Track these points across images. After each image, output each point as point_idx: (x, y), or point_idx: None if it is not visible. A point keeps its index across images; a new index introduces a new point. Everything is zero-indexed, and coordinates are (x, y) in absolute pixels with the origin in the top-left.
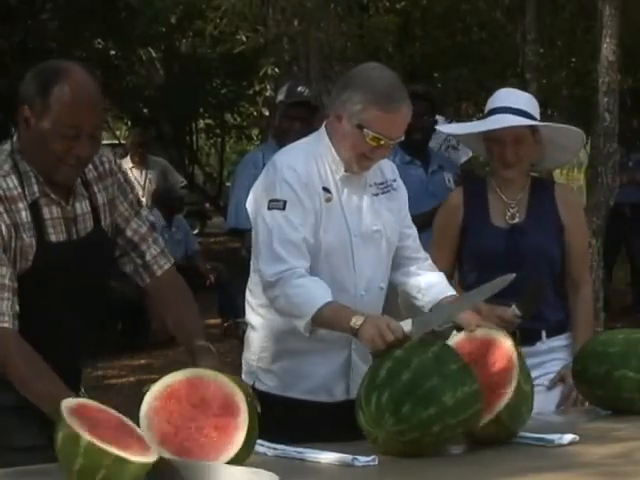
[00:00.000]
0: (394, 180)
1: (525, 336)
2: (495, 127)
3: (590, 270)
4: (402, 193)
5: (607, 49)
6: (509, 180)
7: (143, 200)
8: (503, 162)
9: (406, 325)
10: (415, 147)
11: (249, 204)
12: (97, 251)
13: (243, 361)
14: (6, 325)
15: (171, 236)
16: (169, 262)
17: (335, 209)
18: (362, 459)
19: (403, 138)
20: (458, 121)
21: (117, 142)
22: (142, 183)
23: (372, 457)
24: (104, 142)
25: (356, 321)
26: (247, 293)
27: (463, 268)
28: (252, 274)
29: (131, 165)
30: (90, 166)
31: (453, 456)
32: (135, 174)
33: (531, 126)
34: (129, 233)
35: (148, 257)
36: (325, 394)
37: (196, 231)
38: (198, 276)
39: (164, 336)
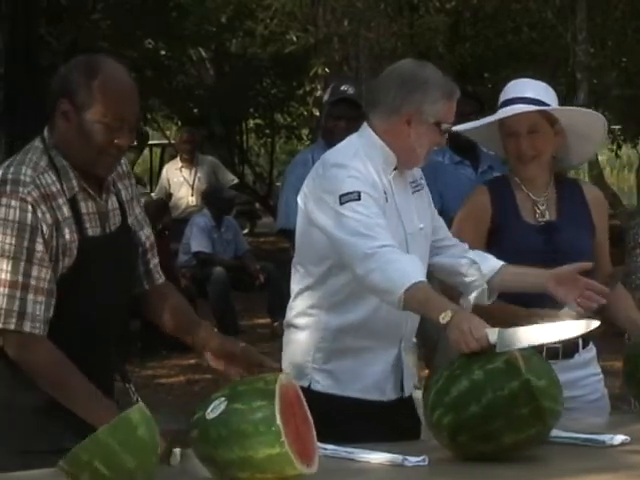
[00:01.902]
0: (421, 178)
1: (566, 349)
2: (502, 116)
3: None
4: (427, 191)
5: None
6: (531, 177)
7: (192, 199)
8: (519, 156)
9: (492, 334)
10: (465, 147)
11: (305, 207)
12: (126, 246)
13: (289, 365)
14: (37, 332)
15: (220, 236)
16: (163, 276)
17: (392, 209)
18: (412, 459)
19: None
20: None
21: (167, 142)
22: (191, 182)
23: (422, 457)
24: (154, 142)
25: (445, 316)
26: (293, 297)
27: None
28: (298, 277)
29: (180, 165)
30: None
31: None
32: (184, 173)
33: (547, 115)
34: (142, 237)
35: (152, 265)
36: (378, 393)
37: (246, 231)
38: (248, 276)
39: None
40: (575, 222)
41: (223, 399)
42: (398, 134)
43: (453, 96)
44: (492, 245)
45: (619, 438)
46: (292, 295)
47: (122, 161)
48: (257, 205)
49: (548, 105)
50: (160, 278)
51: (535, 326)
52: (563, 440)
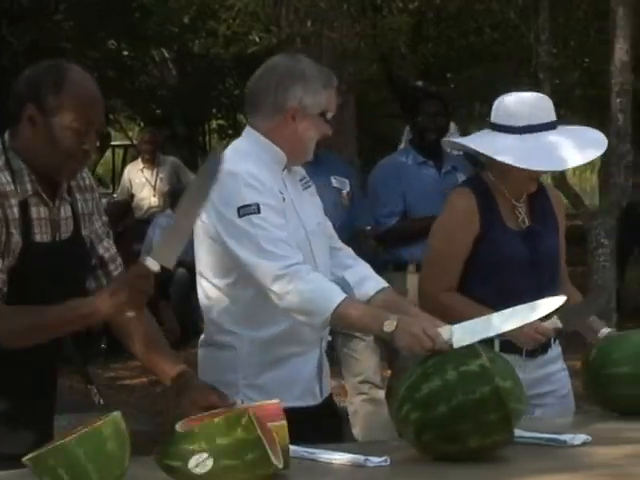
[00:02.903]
0: (306, 175)
1: (543, 345)
2: (554, 169)
3: (603, 270)
4: (314, 186)
5: (620, 50)
6: (513, 182)
7: (154, 200)
8: (531, 179)
9: (445, 332)
10: (428, 147)
11: (204, 218)
12: (75, 256)
13: (221, 384)
14: None
15: None
16: None
17: (289, 208)
18: (374, 460)
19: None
20: (468, 125)
21: (130, 143)
22: (153, 183)
23: (384, 458)
24: (117, 143)
25: (389, 325)
26: (205, 312)
27: (473, 278)
28: (204, 290)
29: (142, 165)
30: None
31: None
32: (146, 174)
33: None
34: (101, 250)
35: (114, 278)
36: (311, 397)
37: None
38: None
39: (176, 337)
40: (548, 227)
41: (206, 455)
42: (284, 131)
43: (331, 84)
44: (477, 253)
45: (580, 438)
46: (203, 310)
47: (85, 175)
48: None
49: (557, 121)
50: None
51: (488, 317)
52: (526, 440)
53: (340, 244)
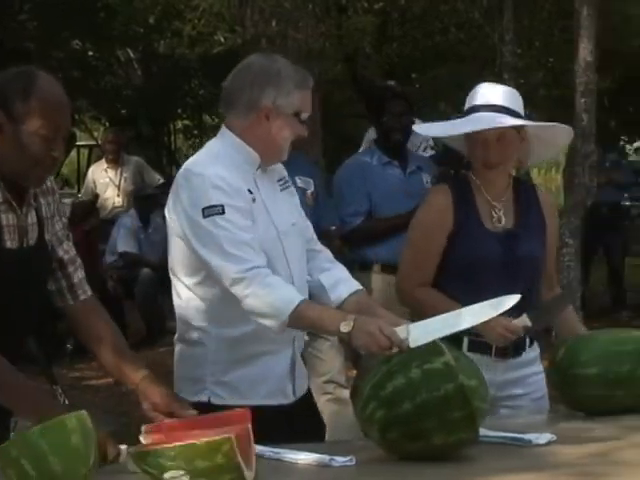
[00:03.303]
0: (286, 176)
1: (515, 347)
2: (477, 128)
3: (567, 270)
4: (293, 188)
5: (584, 50)
6: (493, 180)
7: (119, 200)
8: (487, 163)
9: (401, 331)
10: (394, 147)
11: (171, 219)
12: (41, 261)
13: (184, 381)
14: None
15: (147, 237)
16: (90, 291)
17: (260, 208)
18: (339, 459)
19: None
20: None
21: (95, 143)
22: (117, 183)
23: (349, 457)
24: (82, 143)
25: (346, 325)
26: (177, 310)
27: (447, 276)
28: (175, 288)
29: (106, 165)
30: None
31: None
32: (110, 174)
33: (517, 125)
34: (60, 253)
35: (75, 280)
36: (281, 396)
37: None
38: None
39: (142, 337)
40: (532, 229)
41: (182, 473)
42: (258, 130)
43: (306, 85)
44: (451, 250)
45: (545, 437)
46: (175, 307)
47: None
48: None
49: (516, 111)
50: (84, 294)
51: (446, 315)
52: (491, 439)
53: (319, 247)
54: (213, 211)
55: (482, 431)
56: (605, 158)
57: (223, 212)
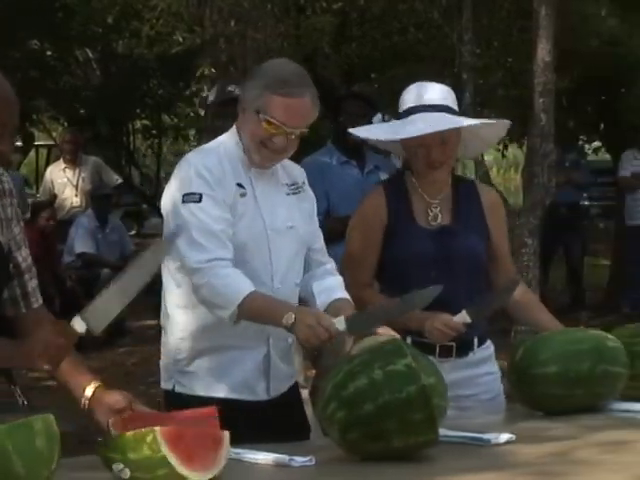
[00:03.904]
0: (303, 183)
1: (460, 347)
2: (422, 133)
3: (526, 270)
4: (311, 197)
5: (543, 49)
6: (432, 179)
7: (76, 200)
8: (430, 164)
9: (339, 323)
10: (352, 147)
11: (163, 202)
12: None
13: (161, 367)
14: None
15: (105, 237)
16: (41, 299)
17: (250, 204)
18: (299, 459)
19: (305, 130)
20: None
21: (53, 143)
22: (75, 183)
23: (309, 457)
24: (40, 143)
25: (288, 318)
26: (162, 297)
27: (385, 275)
28: (166, 277)
29: (64, 165)
30: None
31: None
32: (68, 174)
33: (462, 125)
34: (19, 258)
35: (29, 288)
36: (247, 392)
37: (133, 232)
38: None
39: (101, 338)
40: (469, 226)
41: (122, 466)
42: (239, 123)
43: (282, 92)
44: (386, 249)
45: (504, 437)
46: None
47: (3, 178)
48: (144, 206)
49: (452, 108)
50: (37, 302)
51: (380, 304)
52: (450, 439)
53: (326, 258)
54: (191, 198)
55: (442, 431)
56: (564, 158)
57: (200, 200)
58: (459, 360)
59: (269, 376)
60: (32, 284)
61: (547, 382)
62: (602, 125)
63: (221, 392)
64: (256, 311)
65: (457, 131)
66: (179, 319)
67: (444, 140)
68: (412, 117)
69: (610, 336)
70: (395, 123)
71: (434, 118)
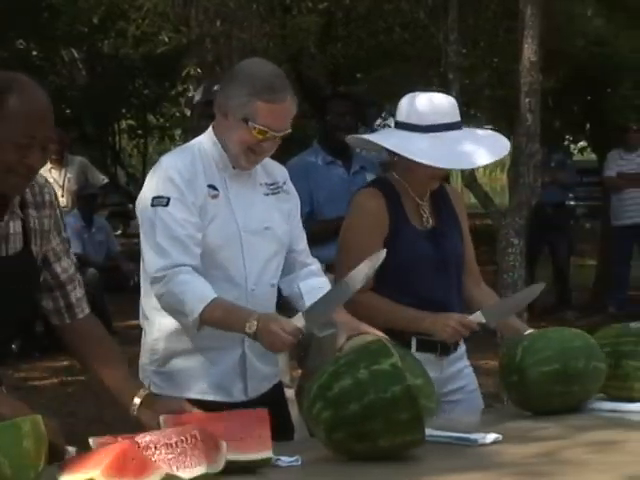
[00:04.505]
0: (284, 183)
1: (445, 344)
2: (469, 167)
3: (512, 270)
4: (293, 197)
5: (529, 50)
6: (421, 182)
7: (62, 200)
8: (435, 176)
9: (298, 321)
10: (338, 147)
11: (137, 204)
12: (23, 273)
13: (139, 367)
14: None
15: (91, 237)
16: (88, 309)
17: (222, 205)
18: (285, 459)
19: (289, 131)
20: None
21: None
22: (61, 183)
23: (295, 457)
24: None
25: (251, 326)
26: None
27: (383, 278)
28: (143, 277)
29: (50, 166)
30: (28, 190)
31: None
32: (54, 174)
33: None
34: (58, 270)
35: (73, 299)
36: (223, 394)
37: (119, 232)
38: (121, 277)
39: None
40: (450, 226)
41: None
42: (219, 128)
43: (270, 99)
44: (388, 252)
45: (491, 437)
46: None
47: (45, 190)
48: (130, 206)
49: (460, 121)
50: (82, 312)
51: (327, 293)
52: (436, 439)
53: (310, 259)
54: (159, 202)
55: (428, 431)
56: (550, 158)
57: (167, 204)
58: (454, 354)
59: (246, 377)
60: (76, 295)
61: (549, 380)
62: (588, 125)
63: (195, 393)
64: (218, 319)
65: None
66: (155, 320)
67: None
68: (441, 135)
69: (584, 333)
70: (433, 147)
71: (469, 154)
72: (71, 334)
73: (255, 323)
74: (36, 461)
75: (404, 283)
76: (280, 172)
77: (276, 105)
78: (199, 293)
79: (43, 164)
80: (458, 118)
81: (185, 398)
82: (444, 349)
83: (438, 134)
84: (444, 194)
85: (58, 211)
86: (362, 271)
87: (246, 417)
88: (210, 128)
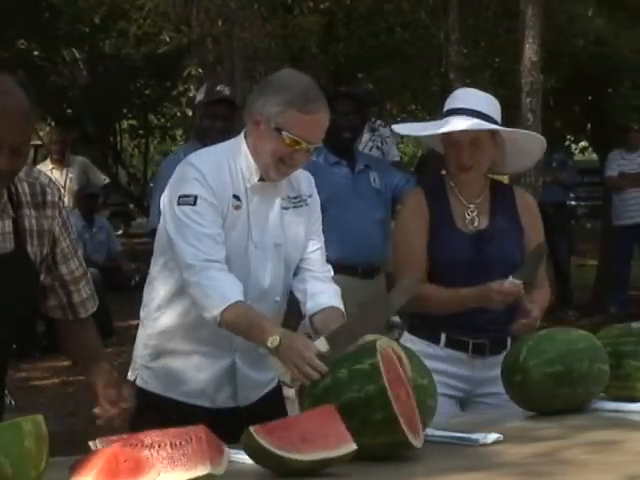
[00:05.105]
0: (309, 196)
1: (493, 346)
2: (447, 130)
3: None
4: (315, 207)
5: (530, 49)
6: (467, 182)
7: (65, 200)
8: (459, 165)
9: (321, 345)
10: (342, 146)
11: (162, 202)
12: (17, 273)
13: (132, 358)
14: None
15: (92, 237)
16: (95, 305)
17: (241, 217)
18: None
19: (321, 144)
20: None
21: (40, 143)
22: (63, 183)
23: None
24: None
25: (273, 341)
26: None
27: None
28: (152, 270)
29: (51, 166)
30: (26, 189)
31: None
32: (55, 174)
33: (490, 128)
34: (64, 270)
35: (75, 299)
36: (206, 399)
37: (120, 232)
38: (122, 277)
39: None
40: (505, 229)
41: None
42: (251, 137)
43: (305, 110)
44: (427, 250)
45: (492, 437)
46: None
47: (48, 190)
48: (131, 206)
49: (491, 117)
50: (85, 312)
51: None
52: (437, 439)
53: (318, 274)
54: (186, 200)
55: (429, 431)
56: (551, 158)
57: (194, 203)
58: (492, 358)
59: (236, 385)
60: (80, 295)
61: (552, 381)
62: (589, 125)
63: (178, 395)
64: (239, 324)
65: (490, 138)
66: (153, 315)
67: (475, 143)
68: (449, 118)
69: (590, 335)
70: (433, 123)
71: (466, 122)
72: (69, 328)
73: (278, 338)
74: (38, 460)
75: (439, 282)
76: (307, 183)
77: (310, 116)
78: (224, 292)
79: (15, 168)
80: (470, 106)
81: (167, 398)
82: (478, 349)
83: (448, 118)
84: (508, 196)
85: (64, 212)
86: (394, 308)
87: (317, 417)
88: (240, 136)
